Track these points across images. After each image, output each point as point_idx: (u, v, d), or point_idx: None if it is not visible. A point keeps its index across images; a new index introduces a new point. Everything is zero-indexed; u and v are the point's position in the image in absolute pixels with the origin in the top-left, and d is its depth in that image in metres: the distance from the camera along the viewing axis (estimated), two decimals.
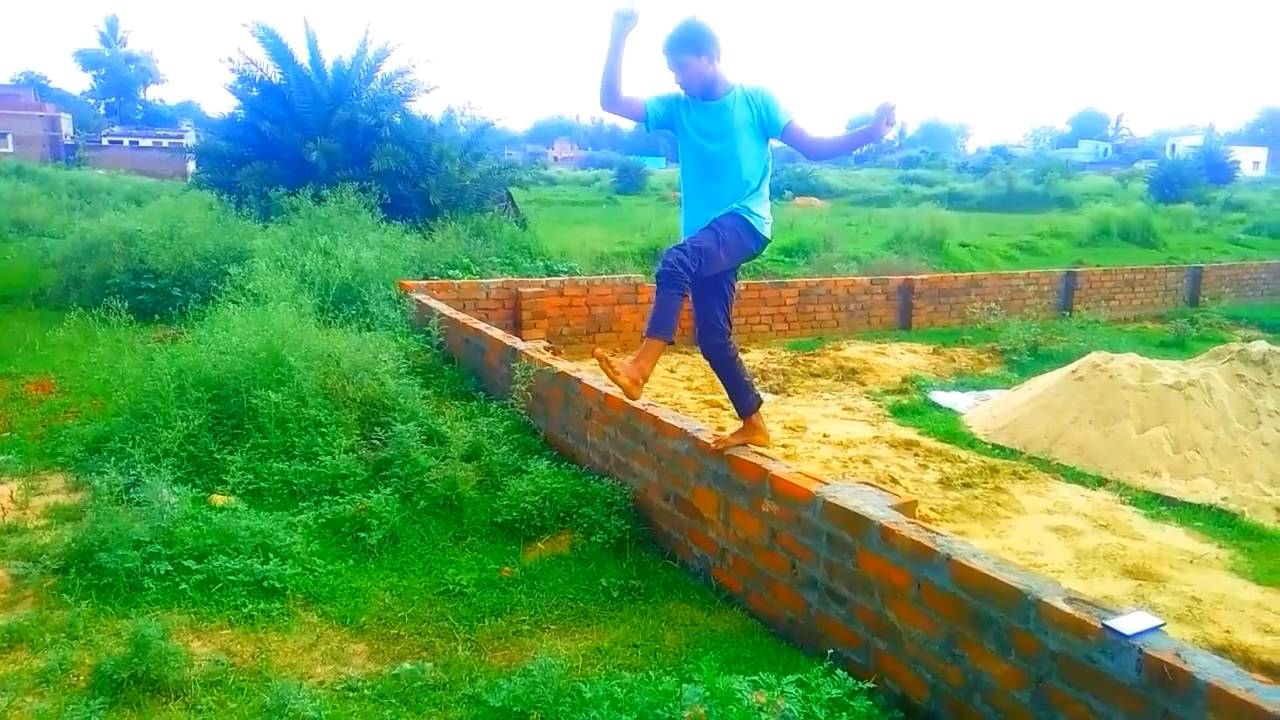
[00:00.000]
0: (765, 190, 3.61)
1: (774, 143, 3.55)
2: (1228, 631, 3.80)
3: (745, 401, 3.80)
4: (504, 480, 4.60)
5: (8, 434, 5.45)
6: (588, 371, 5.19)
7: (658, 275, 3.44)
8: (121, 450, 4.58)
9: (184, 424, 4.65)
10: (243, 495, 4.44)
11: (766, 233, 3.63)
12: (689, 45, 3.37)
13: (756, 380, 7.90)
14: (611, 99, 3.47)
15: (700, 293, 3.69)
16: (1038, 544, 4.69)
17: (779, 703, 2.47)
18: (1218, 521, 5.10)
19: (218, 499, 4.33)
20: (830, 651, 2.94)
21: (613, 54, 3.37)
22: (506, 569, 3.97)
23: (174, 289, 9.09)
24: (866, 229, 21.14)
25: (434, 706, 2.97)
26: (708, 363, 3.88)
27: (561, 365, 5.30)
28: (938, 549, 2.76)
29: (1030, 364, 8.99)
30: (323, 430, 4.89)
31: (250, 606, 3.51)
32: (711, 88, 3.44)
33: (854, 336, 10.53)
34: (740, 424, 3.87)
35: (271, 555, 3.79)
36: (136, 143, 51.67)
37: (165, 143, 50.32)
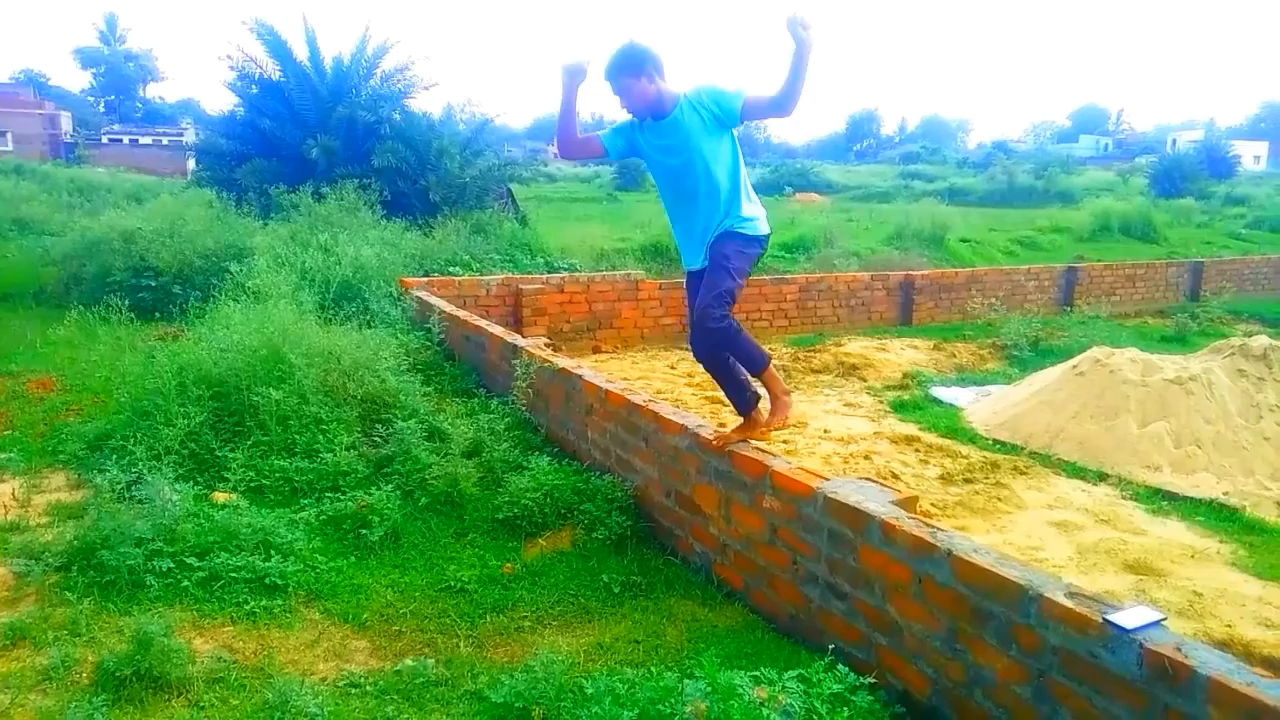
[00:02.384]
0: (745, 186, 3.55)
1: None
2: (1229, 626, 3.80)
3: (744, 401, 3.81)
4: (505, 477, 4.60)
5: (9, 432, 5.45)
6: (588, 368, 5.19)
7: (714, 335, 3.51)
8: (123, 448, 4.59)
9: (185, 421, 4.66)
10: (244, 492, 4.44)
11: (763, 230, 3.61)
12: (627, 68, 3.35)
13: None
14: (568, 147, 3.57)
15: (697, 292, 3.67)
16: (1039, 539, 4.69)
17: (780, 698, 2.47)
18: (1219, 516, 5.10)
19: (219, 496, 4.33)
20: (831, 647, 2.94)
21: (565, 106, 3.48)
22: (508, 565, 3.97)
23: (174, 287, 9.09)
24: (867, 225, 21.13)
25: (436, 703, 2.97)
26: (704, 367, 3.86)
27: (562, 362, 5.30)
28: (939, 544, 2.76)
29: (1031, 359, 8.98)
30: (324, 427, 4.89)
31: (252, 603, 3.51)
32: (659, 106, 3.41)
33: (855, 332, 10.53)
34: (740, 420, 3.87)
35: (273, 552, 3.80)
36: (136, 140, 51.68)
37: (165, 140, 50.35)
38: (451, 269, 10.28)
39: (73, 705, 2.73)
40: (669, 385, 7.57)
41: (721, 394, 4.29)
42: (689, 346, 3.83)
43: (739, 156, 3.52)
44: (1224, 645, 3.54)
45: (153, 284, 9.18)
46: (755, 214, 3.59)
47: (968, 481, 5.49)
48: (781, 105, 3.26)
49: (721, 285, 3.48)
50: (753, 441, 3.81)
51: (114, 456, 4.58)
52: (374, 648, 3.34)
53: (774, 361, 9.14)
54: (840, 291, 10.92)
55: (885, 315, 11.21)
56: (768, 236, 3.66)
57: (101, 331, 5.98)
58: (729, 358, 3.76)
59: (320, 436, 4.82)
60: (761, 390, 3.81)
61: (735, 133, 3.51)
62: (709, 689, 2.47)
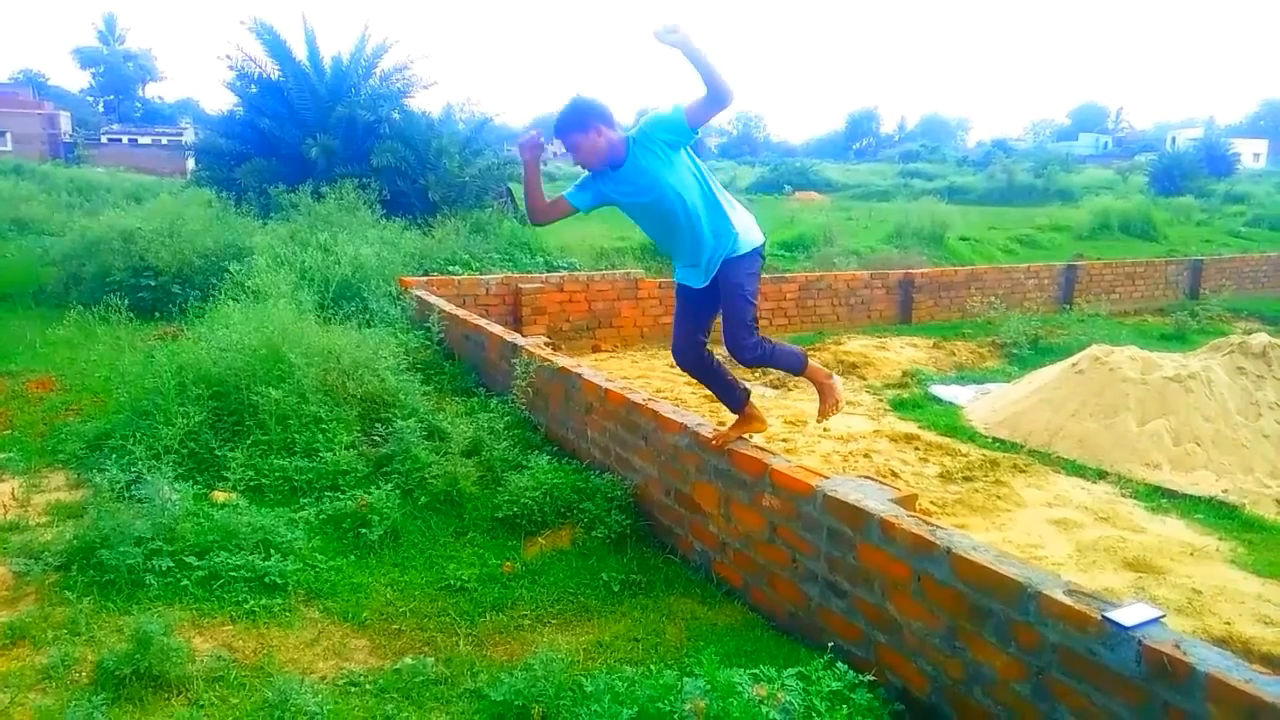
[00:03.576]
0: (721, 197, 3.48)
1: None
2: (1228, 623, 3.80)
3: (735, 399, 3.81)
4: (505, 476, 4.60)
5: (9, 432, 5.45)
6: (588, 367, 5.19)
7: (754, 363, 3.60)
8: (122, 447, 4.59)
9: (185, 421, 4.66)
10: (244, 492, 4.45)
11: (758, 240, 3.57)
12: (574, 125, 3.33)
13: (757, 374, 7.91)
14: (538, 215, 3.60)
15: (690, 309, 3.67)
16: (1038, 537, 4.69)
17: (780, 696, 2.47)
18: (1218, 514, 5.10)
19: (219, 495, 4.33)
20: (831, 645, 2.94)
21: (527, 179, 3.51)
22: (507, 564, 3.97)
23: (174, 286, 9.10)
24: (866, 223, 21.12)
25: (435, 701, 2.98)
26: (689, 373, 3.85)
27: (562, 361, 5.30)
28: (938, 542, 2.76)
29: (1030, 357, 8.99)
30: (323, 427, 4.89)
31: (252, 602, 3.52)
32: (613, 155, 3.36)
33: (854, 331, 10.53)
34: (735, 417, 3.87)
35: (273, 551, 3.80)
36: (135, 140, 51.67)
37: (164, 140, 50.34)
38: (451, 268, 10.28)
39: (72, 704, 2.73)
40: (668, 384, 7.57)
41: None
42: (674, 356, 3.81)
43: (702, 170, 3.45)
44: (1223, 642, 3.54)
45: (152, 284, 9.18)
46: (744, 225, 3.52)
47: (967, 480, 5.49)
48: (714, 99, 3.19)
49: (744, 315, 3.49)
50: (752, 439, 3.82)
51: (113, 456, 4.58)
52: (374, 646, 3.35)
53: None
54: (840, 290, 10.92)
55: (885, 314, 11.21)
56: (763, 243, 3.61)
57: (101, 331, 5.98)
58: (713, 361, 3.75)
59: (320, 435, 4.82)
60: (751, 386, 3.81)
61: (689, 150, 3.44)
62: (708, 687, 2.47)
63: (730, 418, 3.88)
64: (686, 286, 3.65)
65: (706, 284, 3.57)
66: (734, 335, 3.51)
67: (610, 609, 3.63)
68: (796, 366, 3.72)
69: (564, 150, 3.60)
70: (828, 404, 3.75)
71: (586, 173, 3.52)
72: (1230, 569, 4.38)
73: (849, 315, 10.91)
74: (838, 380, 3.81)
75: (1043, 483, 5.56)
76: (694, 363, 3.73)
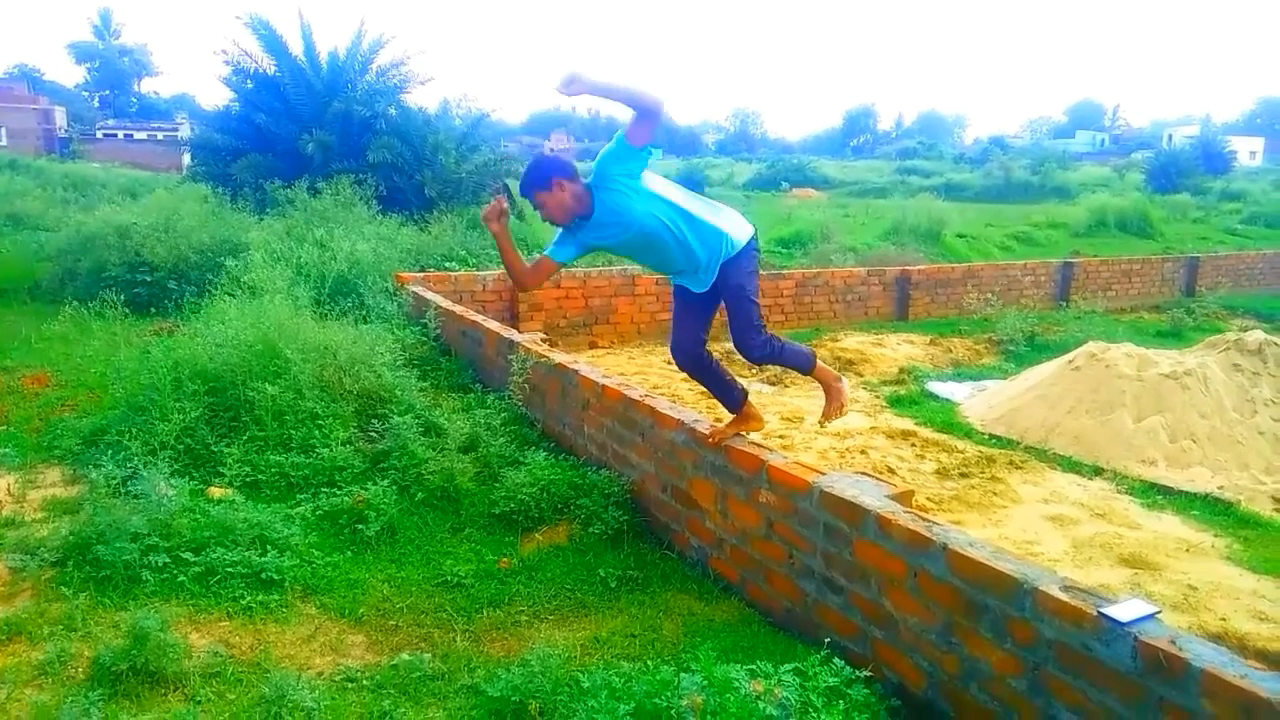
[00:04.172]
0: (696, 206, 3.41)
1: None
2: (1223, 619, 3.81)
3: (733, 399, 3.80)
4: (501, 472, 4.60)
5: (4, 427, 5.44)
6: (585, 363, 5.19)
7: (765, 360, 3.64)
8: (118, 443, 4.58)
9: (181, 417, 4.65)
10: (240, 487, 4.44)
11: (745, 231, 3.53)
12: (535, 184, 3.31)
13: (754, 371, 7.92)
14: (525, 280, 3.62)
15: (691, 310, 3.64)
16: (1034, 533, 4.71)
17: (776, 691, 2.47)
18: (1214, 510, 5.12)
19: (215, 491, 4.33)
20: (827, 640, 2.95)
21: (502, 249, 3.52)
22: (504, 560, 3.97)
23: (170, 282, 9.07)
24: (863, 220, 21.14)
25: (432, 697, 2.98)
26: (686, 372, 3.83)
27: (559, 357, 5.30)
28: (934, 538, 2.77)
29: (1027, 354, 9.00)
30: (320, 422, 4.88)
31: (248, 598, 3.51)
32: (581, 206, 3.33)
33: (851, 327, 10.54)
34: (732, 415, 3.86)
35: (269, 547, 3.79)
36: (131, 135, 51.47)
37: (160, 135, 50.12)
38: (448, 264, 10.26)
39: (69, 700, 2.73)
40: (665, 380, 7.57)
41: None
42: (672, 354, 3.78)
43: (664, 186, 3.38)
44: (1218, 638, 3.55)
45: (148, 279, 9.15)
46: (729, 224, 3.47)
47: (963, 476, 5.50)
48: (644, 115, 3.14)
49: (750, 316, 3.49)
50: (749, 435, 3.82)
51: (109, 452, 4.57)
52: (370, 642, 3.34)
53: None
54: (837, 287, 10.92)
55: (882, 310, 11.21)
56: (752, 236, 3.56)
57: (96, 327, 5.96)
58: (711, 361, 3.74)
59: (316, 431, 4.82)
60: (749, 383, 3.80)
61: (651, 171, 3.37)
62: (705, 682, 2.48)
63: (728, 415, 3.88)
64: (685, 289, 3.63)
65: (706, 289, 3.55)
66: (742, 336, 3.51)
67: (607, 605, 3.63)
68: (805, 366, 3.72)
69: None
70: (833, 406, 3.74)
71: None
72: (1226, 565, 4.39)
73: (846, 312, 10.91)
74: (845, 383, 3.80)
75: (1039, 479, 5.57)
76: (693, 362, 3.72)
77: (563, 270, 4.54)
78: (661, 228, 3.34)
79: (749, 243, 3.53)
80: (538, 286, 3.66)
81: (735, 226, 3.51)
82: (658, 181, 3.39)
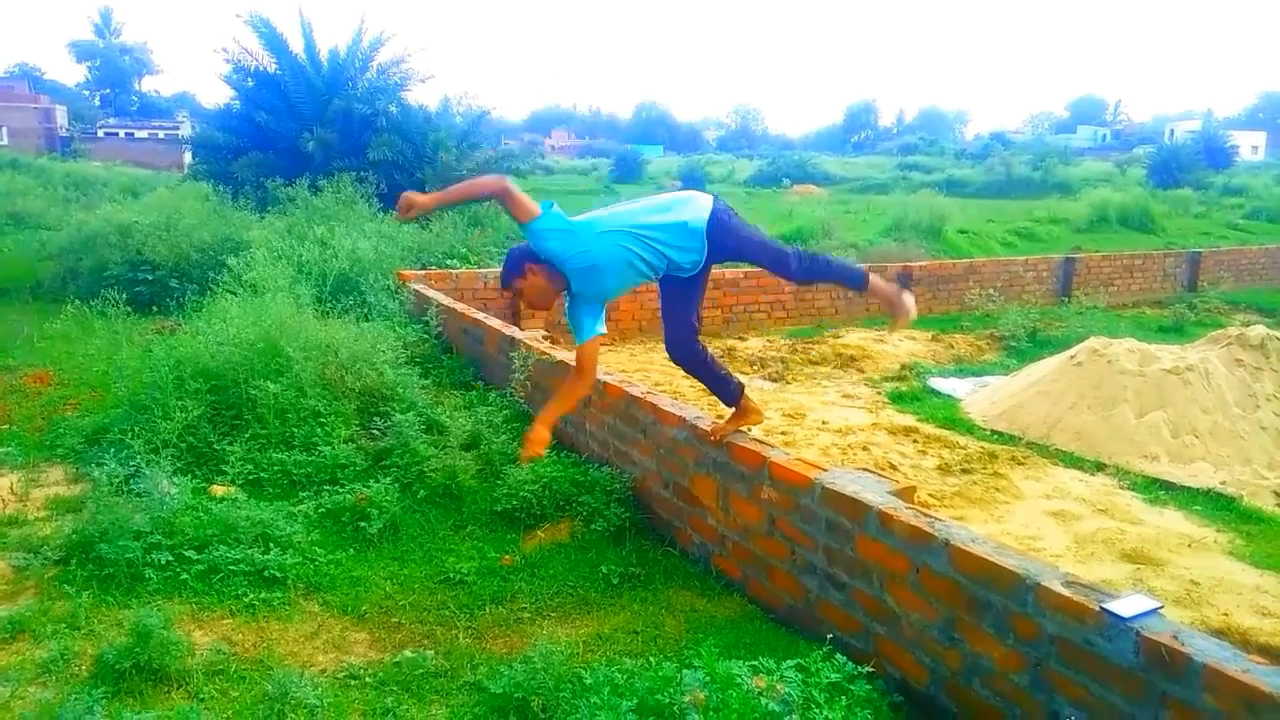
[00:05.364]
0: (646, 217, 3.34)
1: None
2: (1226, 614, 3.81)
3: (729, 393, 3.76)
4: (503, 469, 4.60)
5: (7, 426, 5.44)
6: None
7: (807, 276, 3.59)
8: (121, 442, 4.59)
9: (183, 415, 4.65)
10: (243, 485, 4.45)
11: (706, 204, 3.42)
12: (512, 273, 3.35)
13: (756, 368, 7.92)
14: (585, 368, 3.55)
15: (676, 297, 3.59)
16: (1036, 529, 4.70)
17: (779, 687, 2.48)
18: (1216, 505, 5.11)
19: (218, 489, 4.33)
20: (830, 636, 2.94)
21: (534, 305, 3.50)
22: (507, 557, 3.98)
23: (171, 280, 9.08)
24: (865, 216, 21.10)
25: (435, 694, 2.98)
26: (683, 368, 3.76)
27: (560, 354, 5.30)
28: (936, 534, 2.77)
29: (1029, 350, 8.99)
30: (322, 420, 4.89)
31: (251, 596, 3.52)
32: (557, 280, 3.35)
33: (853, 324, 10.53)
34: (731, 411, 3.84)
35: (272, 545, 3.80)
36: (132, 134, 51.49)
37: (161, 134, 50.15)
38: (449, 262, 10.26)
39: (72, 697, 2.73)
40: (666, 377, 7.56)
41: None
42: (668, 351, 3.73)
43: (605, 216, 3.37)
44: (1221, 633, 3.55)
45: (149, 278, 9.16)
46: (685, 214, 3.39)
47: (965, 472, 5.49)
48: (501, 201, 3.23)
49: (767, 250, 3.49)
50: (750, 431, 3.82)
51: (112, 450, 4.58)
52: (373, 639, 3.35)
53: (772, 353, 9.05)
54: None
55: (883, 307, 11.18)
56: (716, 199, 3.48)
57: (98, 325, 5.98)
58: (706, 355, 3.71)
59: (318, 429, 4.82)
60: (749, 380, 3.77)
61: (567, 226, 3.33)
62: (707, 678, 2.48)
63: (728, 411, 3.87)
64: (670, 278, 3.54)
65: (695, 271, 3.48)
66: (780, 267, 3.48)
67: (609, 602, 3.63)
68: (856, 280, 3.66)
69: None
70: (900, 318, 3.69)
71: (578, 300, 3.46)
72: (1228, 560, 4.39)
73: (847, 308, 10.90)
74: (908, 296, 3.70)
75: (1041, 475, 5.56)
76: (687, 355, 3.67)
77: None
78: (628, 250, 3.31)
79: (714, 211, 3.41)
80: (596, 359, 3.63)
81: (691, 211, 3.41)
82: (597, 214, 3.39)
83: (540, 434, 3.41)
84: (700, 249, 3.40)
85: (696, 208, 3.43)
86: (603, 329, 3.51)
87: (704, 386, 3.85)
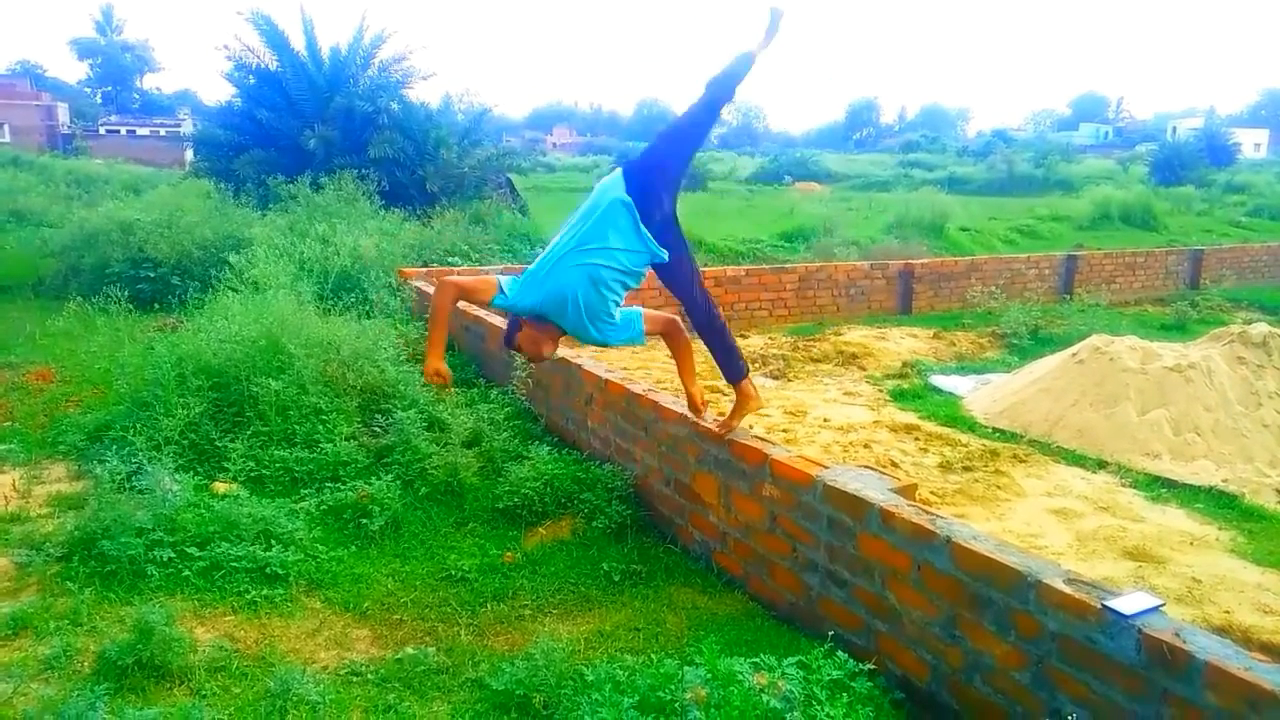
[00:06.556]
0: (581, 237, 3.36)
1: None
2: (1227, 612, 3.81)
3: (737, 368, 3.71)
4: (505, 466, 4.61)
5: (9, 423, 5.45)
6: (588, 358, 5.19)
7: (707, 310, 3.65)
8: (123, 439, 4.60)
9: (185, 412, 4.66)
10: (244, 482, 4.45)
11: (618, 188, 3.44)
12: (514, 332, 3.52)
13: (756, 366, 7.91)
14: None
15: (670, 270, 3.57)
16: (1038, 526, 4.70)
17: (780, 684, 2.48)
18: (1218, 503, 5.11)
19: (220, 486, 4.34)
20: (831, 634, 2.95)
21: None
22: (508, 554, 3.98)
23: (173, 278, 9.09)
24: (866, 214, 21.06)
25: (437, 690, 2.99)
26: (701, 337, 3.74)
27: (561, 352, 5.30)
28: (938, 531, 2.77)
29: (1031, 347, 8.98)
30: (323, 418, 4.89)
31: (253, 593, 3.52)
32: (549, 330, 3.45)
33: (854, 321, 10.52)
34: (732, 401, 3.81)
35: (274, 542, 3.81)
36: (134, 131, 51.47)
37: (163, 131, 50.16)
38: (450, 259, 10.26)
39: (75, 694, 2.74)
40: (668, 374, 7.56)
41: (721, 382, 4.26)
42: (690, 321, 3.72)
43: (550, 258, 3.41)
44: (1222, 631, 3.55)
45: (151, 275, 9.17)
46: (596, 215, 3.41)
47: (967, 469, 5.49)
48: (465, 299, 3.57)
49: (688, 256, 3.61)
50: (752, 429, 3.82)
51: (114, 447, 4.58)
52: (375, 636, 3.35)
53: (774, 350, 9.01)
54: (840, 281, 10.91)
55: (885, 304, 11.20)
56: (619, 189, 3.47)
57: (100, 323, 5.98)
58: (722, 325, 3.70)
59: (320, 427, 4.83)
60: (746, 367, 3.77)
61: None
62: (709, 675, 2.48)
63: (727, 409, 3.85)
64: (660, 265, 3.53)
65: (670, 255, 3.48)
66: (697, 297, 3.58)
67: (611, 599, 3.64)
68: (735, 371, 3.71)
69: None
70: (747, 405, 3.73)
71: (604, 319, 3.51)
72: (1230, 558, 4.39)
73: (849, 306, 10.90)
74: (759, 395, 3.83)
75: (1043, 472, 5.56)
76: (705, 320, 3.65)
77: None
78: (579, 268, 3.34)
79: (624, 173, 3.44)
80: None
81: (608, 196, 3.41)
82: (547, 252, 3.46)
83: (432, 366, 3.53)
84: (633, 227, 3.37)
85: (613, 187, 3.42)
86: (641, 330, 3.60)
87: (709, 386, 3.84)
